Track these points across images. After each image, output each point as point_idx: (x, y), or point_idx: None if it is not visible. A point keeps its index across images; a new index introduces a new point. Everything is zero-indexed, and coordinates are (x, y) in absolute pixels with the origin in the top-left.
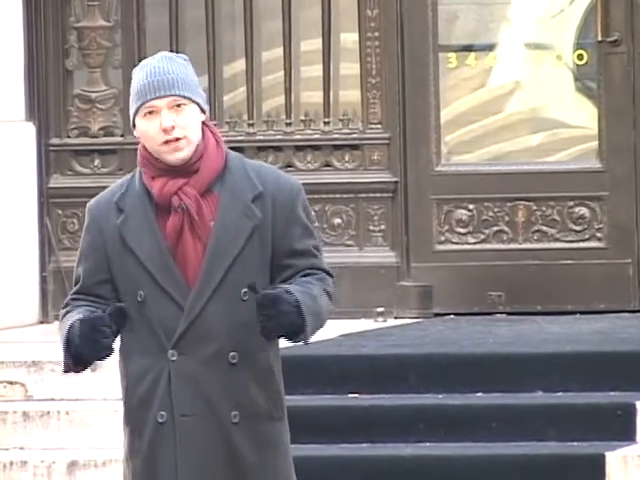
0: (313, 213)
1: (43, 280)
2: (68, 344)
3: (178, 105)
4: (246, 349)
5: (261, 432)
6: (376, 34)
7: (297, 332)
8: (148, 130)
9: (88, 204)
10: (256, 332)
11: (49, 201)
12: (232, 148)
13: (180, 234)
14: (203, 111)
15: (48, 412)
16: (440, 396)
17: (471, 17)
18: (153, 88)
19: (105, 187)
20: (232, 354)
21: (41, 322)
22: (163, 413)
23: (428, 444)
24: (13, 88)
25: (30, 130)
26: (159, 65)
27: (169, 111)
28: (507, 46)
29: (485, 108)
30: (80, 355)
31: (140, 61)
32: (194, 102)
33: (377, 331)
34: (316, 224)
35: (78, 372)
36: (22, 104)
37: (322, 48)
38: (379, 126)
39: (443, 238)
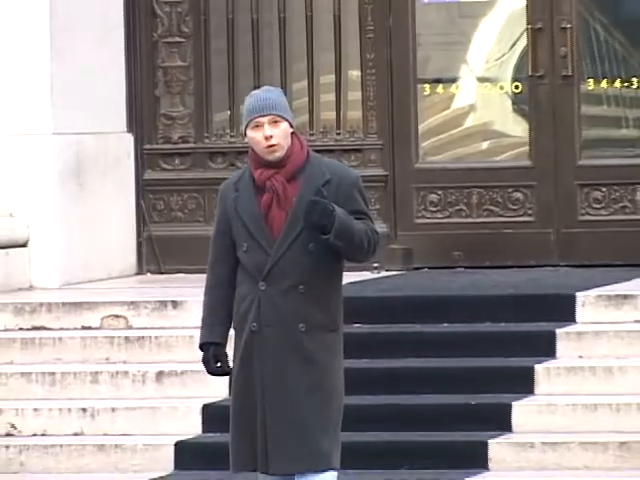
0: (367, 195)
1: (139, 244)
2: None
3: (275, 121)
4: (310, 284)
5: (321, 338)
6: (373, 71)
7: (326, 228)
8: (255, 137)
9: (220, 187)
10: (318, 273)
11: (144, 188)
12: None
13: (270, 206)
14: (291, 126)
15: (142, 337)
16: (418, 326)
17: (440, 59)
18: (259, 109)
19: (183, 179)
20: (301, 287)
21: (137, 274)
22: (255, 324)
23: (410, 359)
24: (119, 109)
25: (130, 139)
26: (263, 94)
27: (269, 125)
28: (465, 79)
29: (450, 123)
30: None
31: (207, 91)
32: (285, 120)
33: (373, 280)
34: (369, 206)
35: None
36: (124, 121)
37: (335, 81)
38: (375, 136)
39: (420, 214)
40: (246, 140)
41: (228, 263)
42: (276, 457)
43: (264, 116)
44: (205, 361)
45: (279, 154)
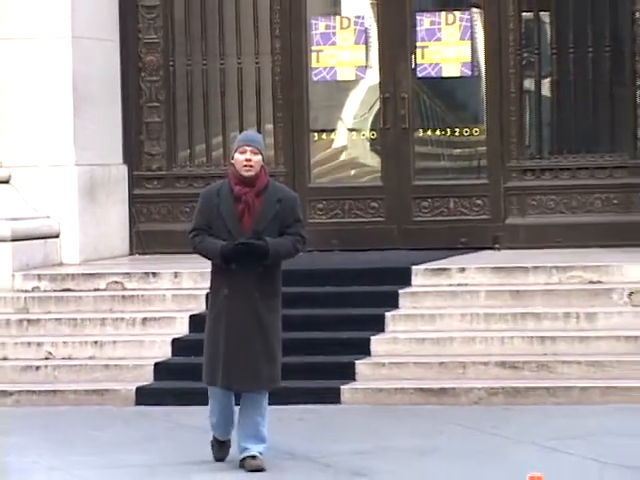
0: (301, 209)
1: (131, 236)
2: (224, 254)
3: (255, 152)
4: (265, 267)
5: (268, 301)
6: (281, 124)
7: (264, 259)
8: (239, 158)
9: (201, 192)
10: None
11: (134, 200)
12: (216, 177)
13: (244, 213)
14: (264, 159)
15: (133, 295)
16: (310, 288)
17: (324, 117)
18: (247, 140)
19: (159, 194)
20: (260, 269)
21: (130, 255)
22: (226, 291)
23: (305, 309)
24: (118, 149)
25: (125, 168)
26: (251, 133)
27: (250, 152)
28: (340, 130)
29: (330, 158)
30: (233, 260)
31: (174, 138)
32: (261, 154)
33: None
34: (301, 215)
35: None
36: (121, 156)
37: (257, 131)
38: (282, 166)
39: (311, 216)
40: (232, 161)
41: (207, 231)
42: (232, 377)
43: (249, 146)
44: (231, 250)
45: (251, 173)
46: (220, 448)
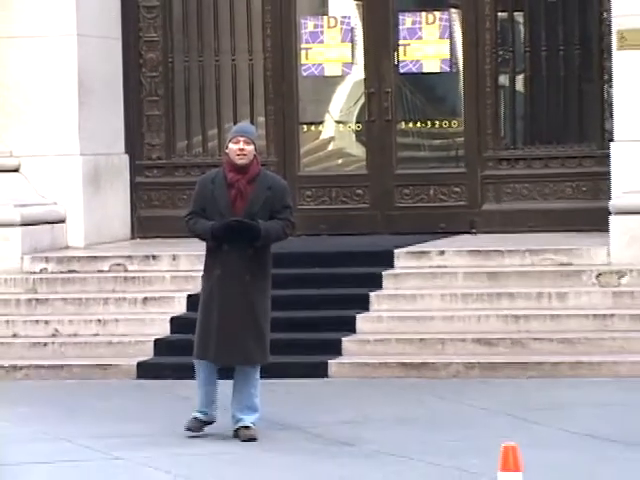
0: (291, 195)
1: (132, 221)
2: (214, 233)
3: (247, 142)
4: (255, 249)
5: (257, 283)
6: (273, 117)
7: (255, 239)
8: (233, 148)
9: (198, 179)
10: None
11: (135, 188)
12: (211, 165)
13: (236, 198)
14: (256, 149)
15: (134, 277)
16: (299, 269)
17: (313, 109)
18: (240, 131)
19: (158, 182)
20: (250, 251)
21: (131, 239)
22: (219, 271)
23: (295, 289)
24: (120, 140)
25: (127, 158)
26: (244, 124)
27: (243, 142)
28: (328, 122)
29: (319, 148)
30: (224, 239)
31: (172, 130)
32: (253, 144)
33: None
34: (291, 202)
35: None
36: (123, 147)
37: (249, 122)
38: (273, 155)
39: (301, 203)
40: (226, 150)
41: (201, 215)
42: (224, 353)
43: (242, 136)
44: (221, 228)
45: (244, 161)
46: (194, 422)
